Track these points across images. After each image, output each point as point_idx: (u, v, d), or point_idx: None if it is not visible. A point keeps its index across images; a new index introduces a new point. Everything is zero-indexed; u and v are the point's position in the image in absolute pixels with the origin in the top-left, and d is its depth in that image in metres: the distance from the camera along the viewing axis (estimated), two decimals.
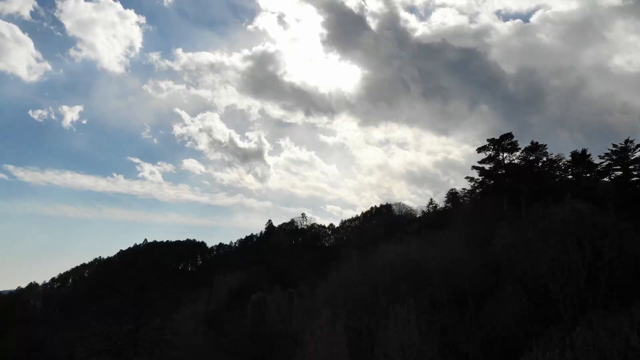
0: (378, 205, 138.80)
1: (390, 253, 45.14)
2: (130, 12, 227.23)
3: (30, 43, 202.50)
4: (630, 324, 20.59)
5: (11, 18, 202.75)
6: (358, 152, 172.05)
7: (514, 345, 28.27)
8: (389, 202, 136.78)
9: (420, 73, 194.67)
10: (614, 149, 52.34)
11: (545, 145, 60.41)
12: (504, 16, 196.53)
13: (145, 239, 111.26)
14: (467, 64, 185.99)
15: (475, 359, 30.27)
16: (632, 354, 19.85)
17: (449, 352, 31.52)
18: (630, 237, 28.09)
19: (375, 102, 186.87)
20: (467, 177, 58.27)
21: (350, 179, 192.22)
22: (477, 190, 56.11)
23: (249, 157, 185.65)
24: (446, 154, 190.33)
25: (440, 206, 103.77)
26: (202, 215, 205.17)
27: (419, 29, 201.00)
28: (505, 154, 53.67)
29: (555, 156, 55.75)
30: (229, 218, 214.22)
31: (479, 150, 54.49)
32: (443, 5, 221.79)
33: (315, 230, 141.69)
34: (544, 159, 58.73)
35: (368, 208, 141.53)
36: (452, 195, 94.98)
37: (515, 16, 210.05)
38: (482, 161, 54.83)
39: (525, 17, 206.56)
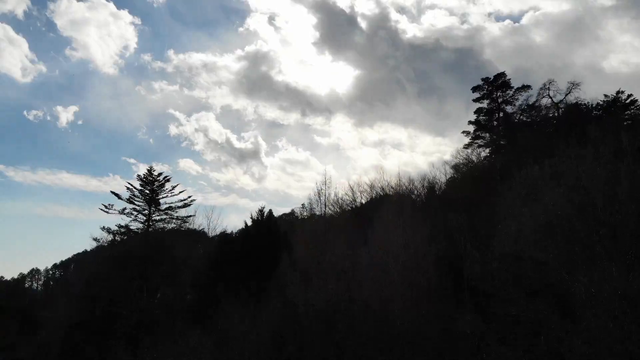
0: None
1: None
2: (124, 13, 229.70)
3: (24, 43, 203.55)
4: None
5: (5, 17, 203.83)
6: (353, 152, 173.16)
7: None
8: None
9: (415, 73, 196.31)
10: (605, 99, 53.92)
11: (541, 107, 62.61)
12: (496, 17, 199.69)
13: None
14: (462, 64, 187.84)
15: (466, 251, 31.21)
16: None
17: (437, 249, 32.51)
18: None
19: (370, 103, 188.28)
20: (463, 132, 59.63)
21: (346, 180, 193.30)
22: (474, 143, 57.25)
23: (246, 157, 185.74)
24: (441, 155, 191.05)
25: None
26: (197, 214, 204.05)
27: (411, 29, 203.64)
28: (499, 92, 55.32)
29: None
30: (223, 218, 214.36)
31: (474, 89, 56.21)
32: (432, 7, 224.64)
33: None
34: (538, 119, 60.46)
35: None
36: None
37: (505, 18, 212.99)
38: (477, 99, 56.39)
39: (517, 18, 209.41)
